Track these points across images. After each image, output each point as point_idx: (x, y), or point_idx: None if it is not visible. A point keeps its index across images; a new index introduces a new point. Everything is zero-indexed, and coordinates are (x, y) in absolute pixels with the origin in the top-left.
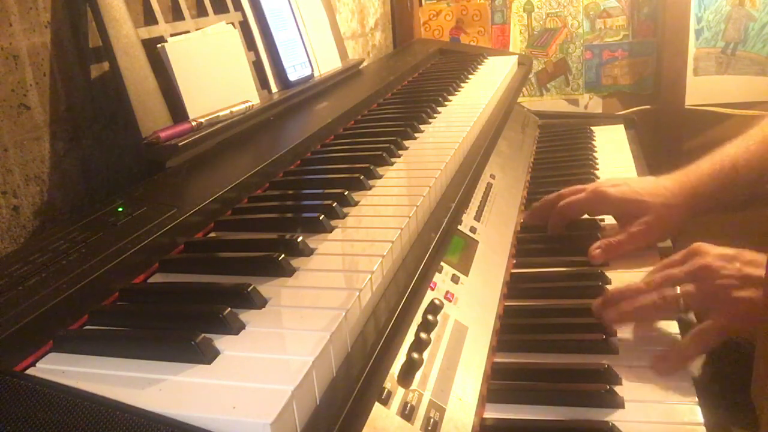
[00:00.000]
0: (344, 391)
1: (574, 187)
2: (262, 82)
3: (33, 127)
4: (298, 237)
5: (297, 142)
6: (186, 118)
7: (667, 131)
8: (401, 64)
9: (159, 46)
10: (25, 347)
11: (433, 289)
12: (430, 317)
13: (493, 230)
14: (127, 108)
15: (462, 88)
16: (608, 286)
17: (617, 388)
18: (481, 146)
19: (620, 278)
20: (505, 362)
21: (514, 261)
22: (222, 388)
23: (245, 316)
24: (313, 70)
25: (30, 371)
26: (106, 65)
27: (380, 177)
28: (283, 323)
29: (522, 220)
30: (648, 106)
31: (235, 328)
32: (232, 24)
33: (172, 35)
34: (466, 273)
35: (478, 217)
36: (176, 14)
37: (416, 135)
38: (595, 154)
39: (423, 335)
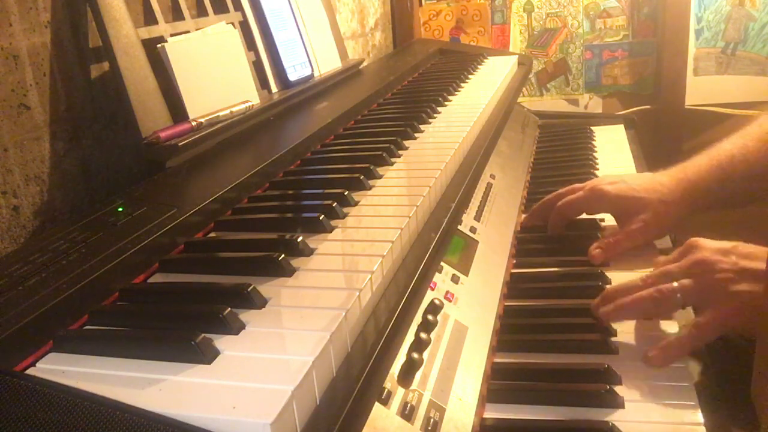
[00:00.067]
0: (344, 391)
1: (572, 186)
2: (262, 82)
3: (33, 127)
4: (298, 237)
5: (297, 142)
6: (186, 118)
7: (667, 131)
8: (401, 64)
9: (159, 46)
10: (25, 347)
11: (433, 289)
12: (430, 317)
13: (493, 230)
14: (127, 108)
15: (462, 88)
16: (608, 286)
17: (617, 388)
18: (481, 146)
19: (620, 278)
20: (505, 362)
21: (514, 261)
22: (222, 388)
23: (245, 316)
24: (313, 70)
25: (30, 371)
26: (106, 65)
27: (380, 177)
28: (283, 323)
29: (522, 221)
30: (648, 106)
31: (235, 328)
32: (232, 24)
33: (172, 35)
34: (466, 273)
35: (478, 217)
36: (176, 14)
37: (416, 135)
38: (595, 154)
39: (423, 335)
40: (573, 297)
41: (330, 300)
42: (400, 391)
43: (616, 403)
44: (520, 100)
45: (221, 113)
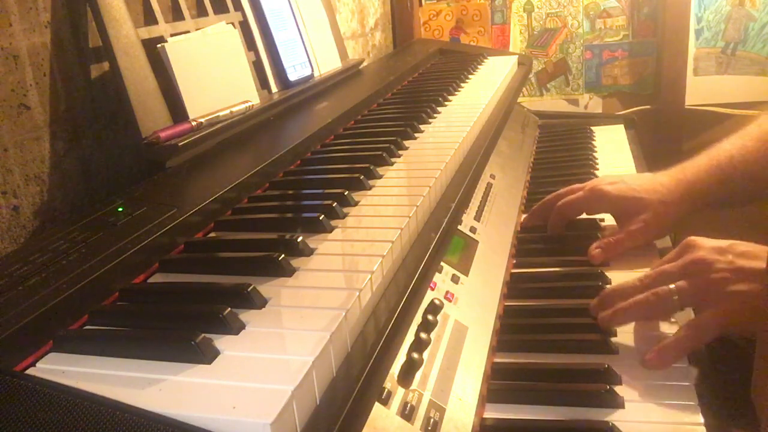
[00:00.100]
0: (344, 391)
1: (572, 187)
2: (262, 82)
3: (33, 127)
4: (298, 237)
5: (297, 142)
6: (186, 118)
7: (667, 131)
8: (401, 64)
9: (159, 46)
10: (25, 347)
11: (433, 289)
12: (430, 317)
13: (493, 230)
14: (127, 108)
15: (462, 88)
16: (608, 286)
17: (617, 388)
18: (481, 146)
19: (620, 278)
20: (505, 362)
21: (514, 261)
22: (222, 388)
23: (245, 316)
24: (313, 70)
25: (30, 371)
26: (106, 65)
27: (380, 177)
28: (283, 323)
29: (522, 221)
30: (648, 106)
31: (235, 328)
32: (232, 24)
33: (172, 35)
34: (466, 273)
35: (478, 217)
36: (176, 14)
37: (416, 135)
38: (595, 154)
39: (423, 335)
40: (573, 297)
41: (330, 300)
42: (400, 391)
43: (616, 403)
44: (520, 100)
45: (221, 113)
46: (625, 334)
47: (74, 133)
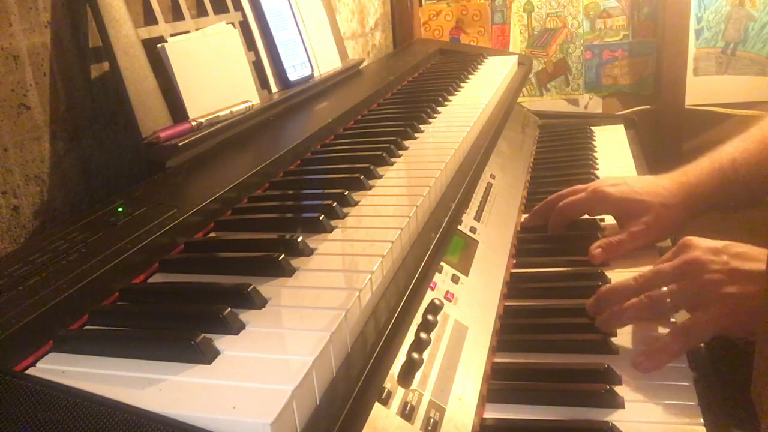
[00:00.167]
0: (344, 391)
1: (574, 188)
2: (262, 82)
3: (33, 127)
4: (298, 237)
5: (297, 142)
6: (186, 118)
7: (667, 131)
8: (401, 64)
9: (159, 46)
10: (25, 347)
11: (433, 289)
12: (430, 317)
13: (493, 230)
14: (127, 108)
15: (462, 88)
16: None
17: (617, 388)
18: (481, 146)
19: (620, 278)
20: (505, 362)
21: (514, 261)
22: (222, 388)
23: (245, 316)
24: (313, 70)
25: (30, 371)
26: (106, 65)
27: (380, 177)
28: (283, 323)
29: (523, 221)
30: (648, 106)
31: (235, 328)
32: (232, 24)
33: (172, 35)
34: (466, 273)
35: (478, 217)
36: (176, 14)
37: (416, 135)
38: (595, 154)
39: (423, 335)
40: (573, 297)
41: (330, 300)
42: (400, 391)
43: (616, 403)
44: (520, 100)
45: (221, 113)
46: (625, 334)
47: (74, 133)
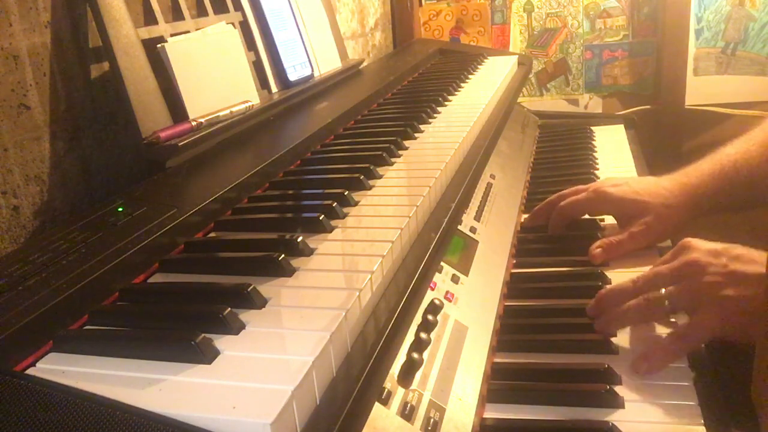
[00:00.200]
0: (344, 391)
1: (575, 188)
2: (262, 82)
3: (33, 127)
4: (298, 237)
5: (297, 142)
6: (186, 118)
7: (667, 131)
8: (401, 64)
9: (159, 46)
10: (25, 347)
11: (433, 289)
12: (430, 317)
13: (493, 230)
14: (127, 108)
15: (462, 88)
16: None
17: (617, 388)
18: (481, 146)
19: (620, 278)
20: (505, 362)
21: (514, 261)
22: (222, 388)
23: (245, 316)
24: (313, 70)
25: (30, 371)
26: (106, 65)
27: (380, 177)
28: (283, 323)
29: (524, 221)
30: (648, 106)
31: (235, 328)
32: (232, 24)
33: (172, 35)
34: (466, 273)
35: (478, 217)
36: (176, 14)
37: (416, 135)
38: (595, 154)
39: (423, 335)
40: (573, 297)
41: (330, 300)
42: (400, 391)
43: (616, 403)
44: (520, 100)
45: (221, 113)
46: (625, 334)
47: (74, 133)
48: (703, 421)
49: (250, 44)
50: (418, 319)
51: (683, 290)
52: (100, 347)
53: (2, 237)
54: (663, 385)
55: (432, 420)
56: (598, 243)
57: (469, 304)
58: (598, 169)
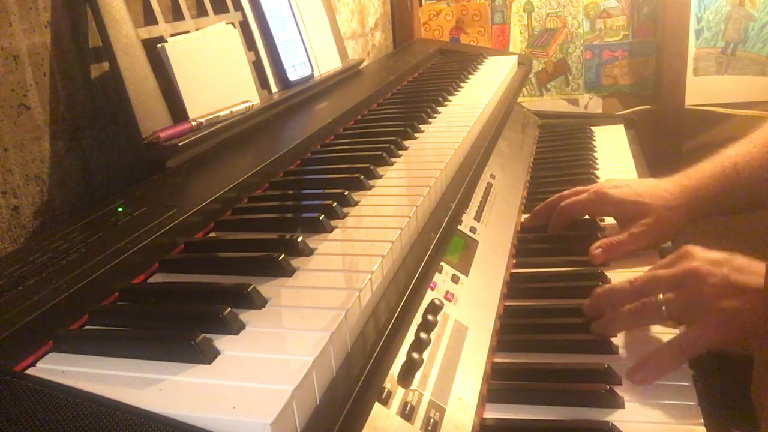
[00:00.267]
0: (344, 391)
1: (576, 189)
2: (262, 82)
3: (33, 127)
4: (298, 237)
5: (297, 142)
6: (186, 118)
7: (667, 131)
8: (401, 64)
9: (159, 46)
10: (25, 347)
11: (433, 289)
12: (430, 317)
13: (493, 230)
14: (127, 108)
15: (462, 88)
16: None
17: (617, 388)
18: (481, 146)
19: (620, 278)
20: (505, 362)
21: (514, 261)
22: (222, 388)
23: (245, 316)
24: (313, 70)
25: (30, 371)
26: (106, 65)
27: (380, 177)
28: (283, 323)
29: (524, 221)
30: (648, 106)
31: (235, 328)
32: (232, 24)
33: (172, 35)
34: (466, 273)
35: (478, 217)
36: (176, 14)
37: (416, 135)
38: (595, 154)
39: (423, 335)
40: (573, 297)
41: (330, 300)
42: (400, 391)
43: (616, 403)
44: (520, 100)
45: (221, 113)
46: (625, 334)
47: (74, 133)
48: (703, 421)
49: (250, 44)
50: (418, 319)
51: (682, 298)
52: (100, 347)
53: (2, 237)
54: (663, 385)
55: (432, 420)
56: (598, 243)
57: (469, 304)
58: (598, 169)
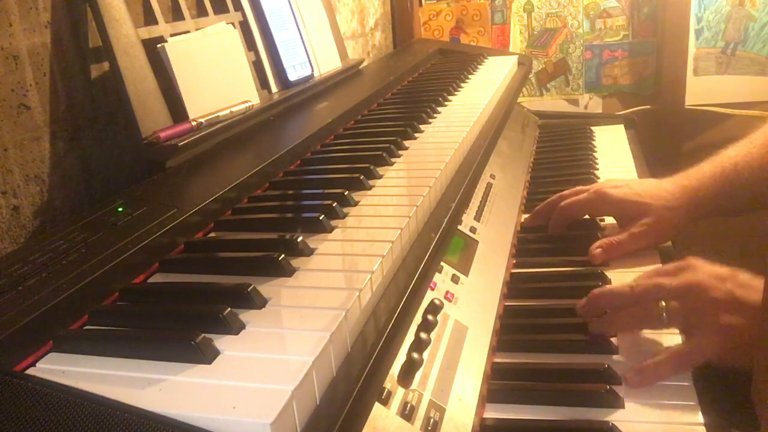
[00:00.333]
0: (344, 391)
1: (576, 188)
2: (262, 82)
3: (33, 127)
4: (298, 237)
5: (297, 142)
6: (186, 118)
7: (667, 131)
8: (401, 64)
9: (159, 46)
10: (25, 347)
11: (433, 289)
12: (430, 317)
13: (493, 230)
14: (127, 108)
15: (462, 88)
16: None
17: (617, 388)
18: (481, 146)
19: (620, 278)
20: (505, 362)
21: (514, 261)
22: (222, 388)
23: (245, 316)
24: (313, 70)
25: (30, 371)
26: (106, 65)
27: (380, 177)
28: (283, 323)
29: (524, 221)
30: (648, 106)
31: (235, 328)
32: (232, 24)
33: (172, 35)
34: (466, 273)
35: (478, 217)
36: (176, 14)
37: (416, 135)
38: (595, 154)
39: (423, 335)
40: (573, 297)
41: (330, 300)
42: (400, 391)
43: (616, 403)
44: (520, 100)
45: (221, 113)
46: (625, 335)
47: (74, 133)
48: (703, 421)
49: (250, 44)
50: (418, 319)
51: (684, 309)
52: (100, 347)
53: (2, 237)
54: (663, 385)
55: (432, 420)
56: (598, 243)
57: (469, 304)
58: (598, 169)
